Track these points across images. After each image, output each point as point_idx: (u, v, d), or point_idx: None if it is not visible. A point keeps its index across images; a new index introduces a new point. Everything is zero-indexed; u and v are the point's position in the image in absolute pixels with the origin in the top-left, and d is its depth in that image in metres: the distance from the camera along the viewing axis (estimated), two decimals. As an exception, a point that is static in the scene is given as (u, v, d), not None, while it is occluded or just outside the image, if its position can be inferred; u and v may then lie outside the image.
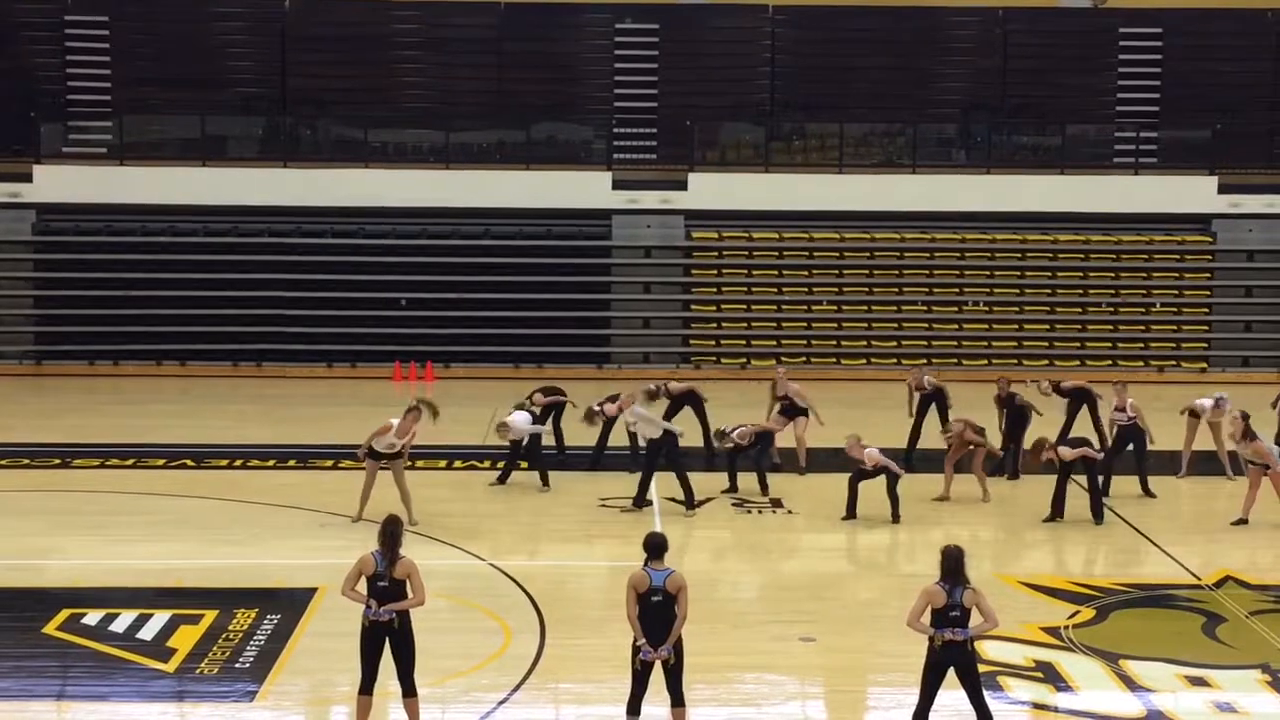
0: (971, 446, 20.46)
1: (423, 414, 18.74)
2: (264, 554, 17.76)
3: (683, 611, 11.86)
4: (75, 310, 30.36)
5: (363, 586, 12.06)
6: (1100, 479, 19.67)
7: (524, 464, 20.96)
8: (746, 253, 31.37)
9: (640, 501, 19.65)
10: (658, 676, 11.95)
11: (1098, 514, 19.32)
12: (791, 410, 21.88)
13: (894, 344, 30.90)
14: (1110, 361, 30.70)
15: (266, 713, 13.08)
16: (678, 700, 12.02)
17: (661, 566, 11.94)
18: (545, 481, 20.83)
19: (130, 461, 22.23)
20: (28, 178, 30.66)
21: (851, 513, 19.33)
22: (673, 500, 19.79)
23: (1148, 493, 20.68)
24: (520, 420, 20.75)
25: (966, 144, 34.31)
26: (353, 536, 17.45)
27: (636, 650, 11.90)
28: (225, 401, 27.48)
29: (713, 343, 31.01)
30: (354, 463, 21.87)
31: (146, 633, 14.79)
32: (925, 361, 26.92)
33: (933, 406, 22.82)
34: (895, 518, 19.16)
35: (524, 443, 20.85)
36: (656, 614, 11.82)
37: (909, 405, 23.11)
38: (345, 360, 30.28)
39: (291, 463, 22.41)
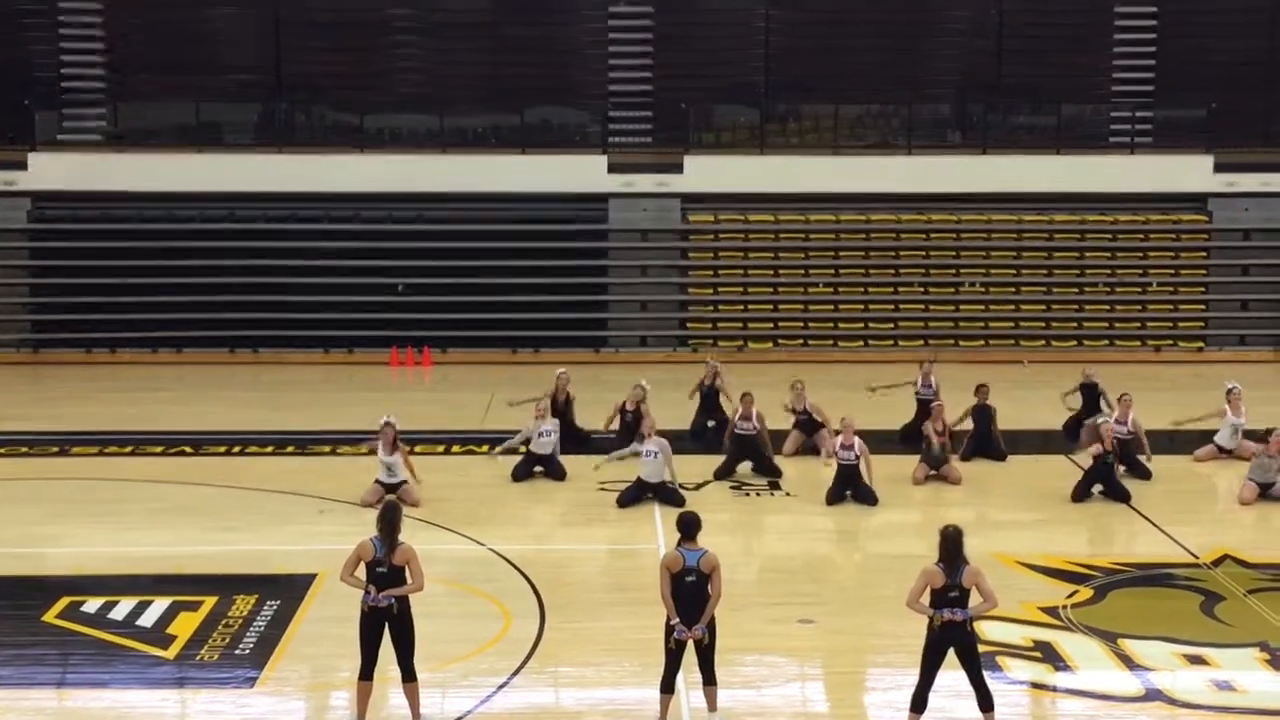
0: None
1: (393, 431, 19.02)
2: (263, 540, 17.78)
3: (717, 591, 11.96)
4: (71, 298, 30.28)
5: (362, 572, 12.09)
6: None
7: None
8: (743, 235, 31.31)
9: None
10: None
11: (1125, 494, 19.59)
12: (809, 426, 21.68)
13: (891, 325, 30.83)
14: (1107, 341, 30.67)
15: (267, 698, 13.11)
16: (709, 679, 12.15)
17: (695, 547, 12.02)
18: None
19: (128, 449, 22.22)
20: (23, 165, 30.53)
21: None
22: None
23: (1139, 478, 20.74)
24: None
25: (962, 124, 34.25)
26: (352, 522, 17.45)
27: (670, 630, 11.95)
28: (222, 388, 27.43)
29: (709, 326, 30.96)
30: (351, 449, 21.93)
31: (146, 620, 14.83)
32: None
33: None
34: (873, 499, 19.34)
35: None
36: (690, 594, 11.90)
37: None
38: (342, 346, 30.19)
39: (290, 449, 22.38)
